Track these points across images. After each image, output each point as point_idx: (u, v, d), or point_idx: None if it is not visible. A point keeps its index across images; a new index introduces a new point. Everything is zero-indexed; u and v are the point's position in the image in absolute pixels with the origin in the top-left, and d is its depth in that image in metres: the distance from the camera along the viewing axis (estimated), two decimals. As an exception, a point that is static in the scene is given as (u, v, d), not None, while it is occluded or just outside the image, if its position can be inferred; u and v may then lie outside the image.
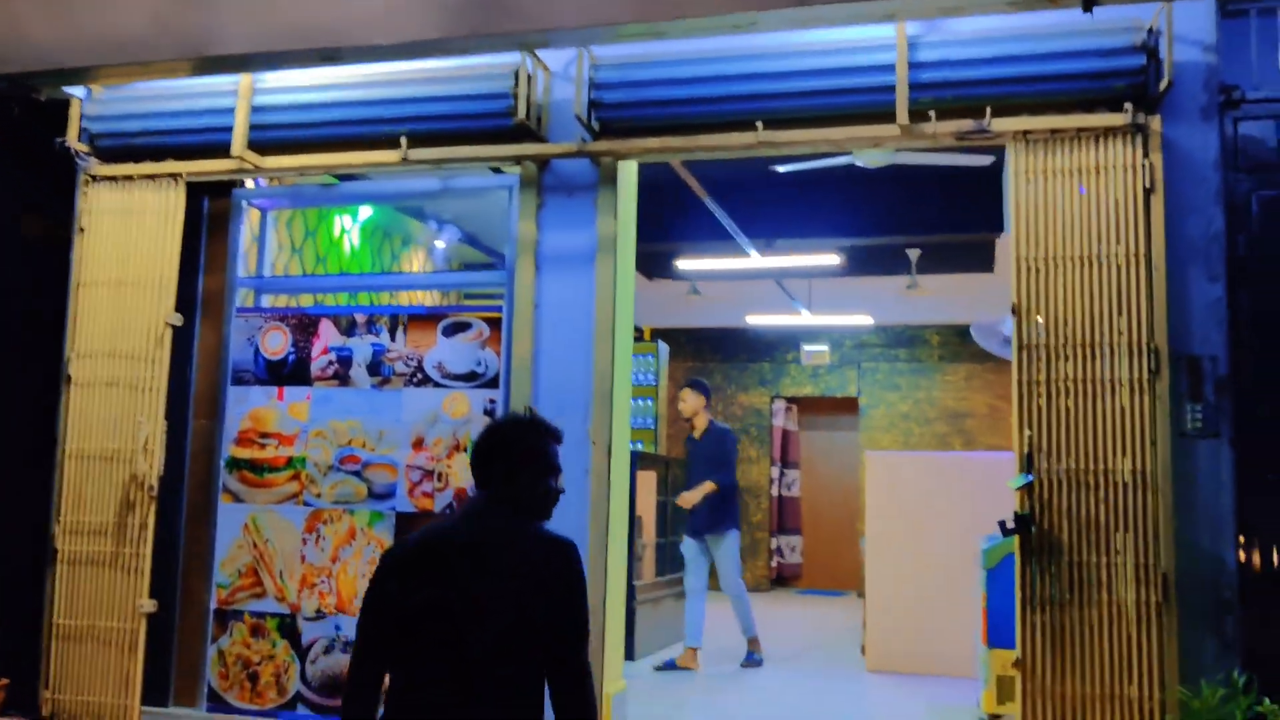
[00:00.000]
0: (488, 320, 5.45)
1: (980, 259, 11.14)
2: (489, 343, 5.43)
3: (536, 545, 2.63)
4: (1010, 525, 4.53)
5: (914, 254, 11.04)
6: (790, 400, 14.62)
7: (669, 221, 9.44)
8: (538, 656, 2.57)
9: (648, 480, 8.71)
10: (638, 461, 7.94)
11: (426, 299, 8.07)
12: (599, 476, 5.10)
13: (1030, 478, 4.53)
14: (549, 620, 2.55)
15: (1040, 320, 4.64)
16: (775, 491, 14.09)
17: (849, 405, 14.18)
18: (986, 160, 7.52)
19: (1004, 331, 9.48)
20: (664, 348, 10.49)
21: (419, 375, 5.50)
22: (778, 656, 8.40)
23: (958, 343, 13.67)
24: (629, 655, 7.48)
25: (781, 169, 7.70)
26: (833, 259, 9.39)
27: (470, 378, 5.43)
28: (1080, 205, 4.65)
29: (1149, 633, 4.39)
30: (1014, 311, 4.66)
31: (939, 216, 9.17)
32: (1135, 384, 4.52)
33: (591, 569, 5.05)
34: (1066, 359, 4.59)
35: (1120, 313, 4.56)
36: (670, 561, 9.00)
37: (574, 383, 5.23)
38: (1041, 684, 4.45)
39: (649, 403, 10.27)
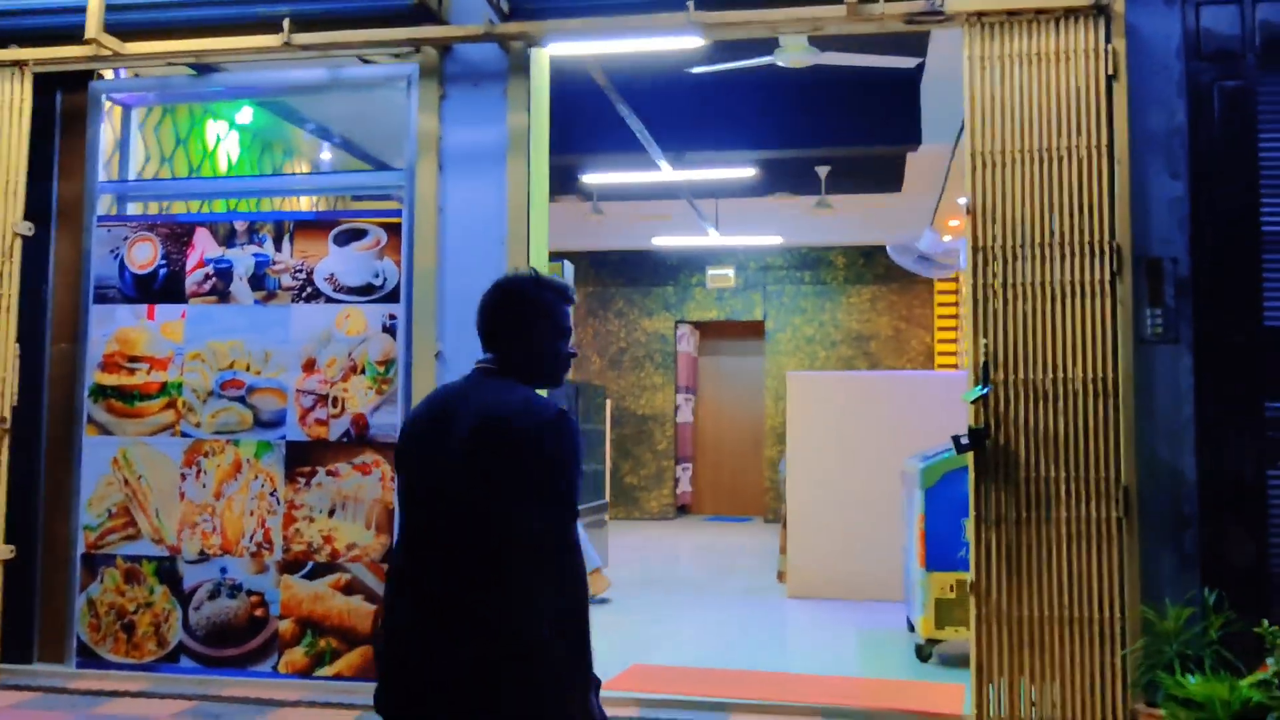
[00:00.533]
0: (385, 227, 4.90)
1: (889, 178, 10.90)
2: (387, 251, 4.88)
3: (529, 426, 2.28)
4: (964, 440, 4.21)
5: (823, 171, 10.72)
6: (695, 325, 14.27)
7: (573, 132, 8.91)
8: (526, 565, 2.26)
9: (555, 406, 8.26)
10: (546, 386, 7.48)
11: (312, 209, 7.43)
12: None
13: (986, 389, 4.20)
14: (534, 504, 2.27)
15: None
16: (680, 418, 13.78)
17: (754, 329, 13.89)
18: (911, 62, 7.15)
19: (920, 248, 9.24)
20: (569, 267, 9.97)
21: (308, 289, 4.93)
22: (693, 584, 8.10)
23: (862, 264, 13.46)
24: (541, 589, 7.07)
25: (697, 70, 7.21)
26: (747, 171, 8.98)
27: (366, 291, 4.88)
28: (1039, 94, 4.29)
29: (1109, 550, 4.13)
30: (968, 210, 4.30)
31: (854, 129, 8.85)
32: (1096, 287, 4.21)
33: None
34: (1024, 259, 4.26)
35: (1081, 210, 4.24)
36: (592, 491, 8.62)
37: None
38: (996, 607, 4.17)
39: (554, 325, 9.78)
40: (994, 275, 4.26)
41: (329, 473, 4.84)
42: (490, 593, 2.23)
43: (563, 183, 10.87)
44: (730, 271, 13.47)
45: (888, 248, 8.85)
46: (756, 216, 11.99)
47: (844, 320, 13.48)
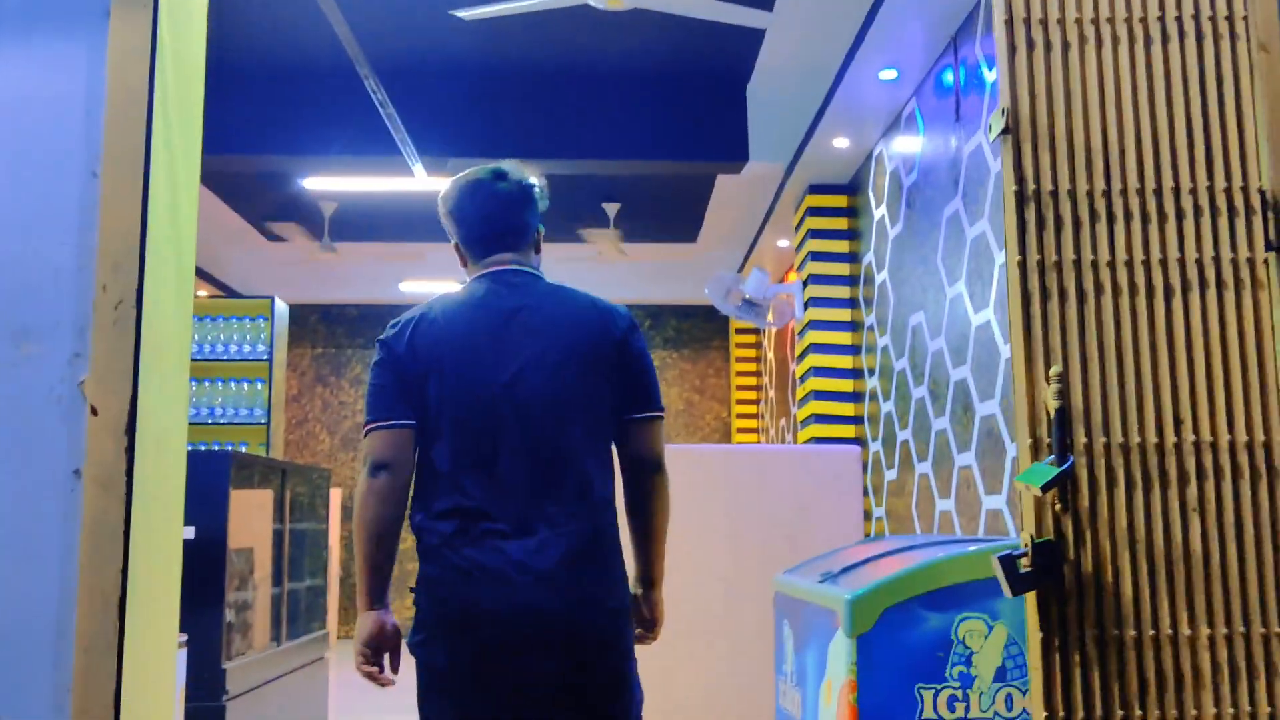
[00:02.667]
0: None
1: (685, 225, 9.23)
2: None
3: (624, 329, 2.28)
4: (1022, 563, 2.14)
5: (612, 209, 8.86)
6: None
7: (297, 129, 6.61)
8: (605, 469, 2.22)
9: (261, 499, 5.77)
10: (231, 466, 4.98)
11: None
12: (104, 484, 2.23)
13: (1067, 465, 2.16)
14: (610, 402, 2.23)
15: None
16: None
17: (522, 402, 11.74)
18: (760, 19, 5.25)
19: (745, 291, 7.36)
20: (282, 309, 7.53)
21: None
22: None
23: (650, 325, 11.61)
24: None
25: (468, 14, 5.06)
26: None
27: None
28: (1121, -77, 2.37)
29: (1292, 776, 2.15)
30: (1005, 128, 2.30)
31: (671, 140, 6.98)
32: (1241, 268, 2.28)
33: (88, 660, 2.19)
34: (1108, 219, 2.28)
35: (1205, 132, 2.31)
36: (305, 615, 6.11)
37: (48, 277, 2.34)
38: None
39: (258, 385, 7.22)
40: (1058, 244, 2.25)
41: None
42: (583, 502, 2.15)
43: (280, 206, 8.45)
44: (494, 333, 11.33)
45: (706, 288, 6.94)
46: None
47: (627, 392, 11.52)
